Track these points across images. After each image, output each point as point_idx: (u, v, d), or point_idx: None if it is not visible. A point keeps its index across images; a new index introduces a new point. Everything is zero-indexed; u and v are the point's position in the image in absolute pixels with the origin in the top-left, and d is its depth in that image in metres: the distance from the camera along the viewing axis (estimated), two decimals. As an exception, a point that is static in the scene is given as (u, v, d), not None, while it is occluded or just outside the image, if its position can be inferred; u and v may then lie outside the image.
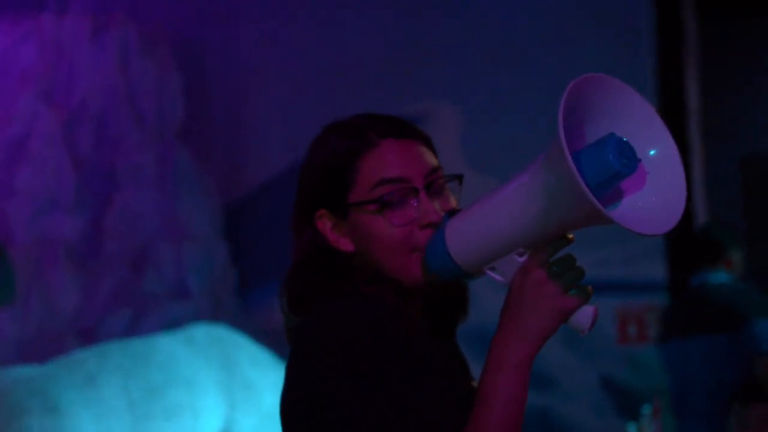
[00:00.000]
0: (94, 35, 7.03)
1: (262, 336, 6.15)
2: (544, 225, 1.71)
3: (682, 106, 7.54)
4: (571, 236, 1.74)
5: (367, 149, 1.87)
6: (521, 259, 1.75)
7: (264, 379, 5.50)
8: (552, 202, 1.68)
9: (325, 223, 1.88)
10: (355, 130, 1.90)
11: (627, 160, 1.69)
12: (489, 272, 1.79)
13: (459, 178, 1.91)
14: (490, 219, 1.76)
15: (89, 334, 6.39)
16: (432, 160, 1.90)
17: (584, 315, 1.74)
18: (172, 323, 6.42)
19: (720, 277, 5.89)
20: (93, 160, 6.86)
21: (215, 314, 6.88)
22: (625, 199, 1.75)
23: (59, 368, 5.15)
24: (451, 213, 1.85)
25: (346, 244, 1.88)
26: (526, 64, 7.36)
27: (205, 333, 5.76)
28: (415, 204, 1.85)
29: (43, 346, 6.17)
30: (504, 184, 1.77)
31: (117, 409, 5.09)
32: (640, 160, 1.72)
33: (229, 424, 5.54)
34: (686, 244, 6.70)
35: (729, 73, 8.99)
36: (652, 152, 1.75)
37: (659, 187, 1.74)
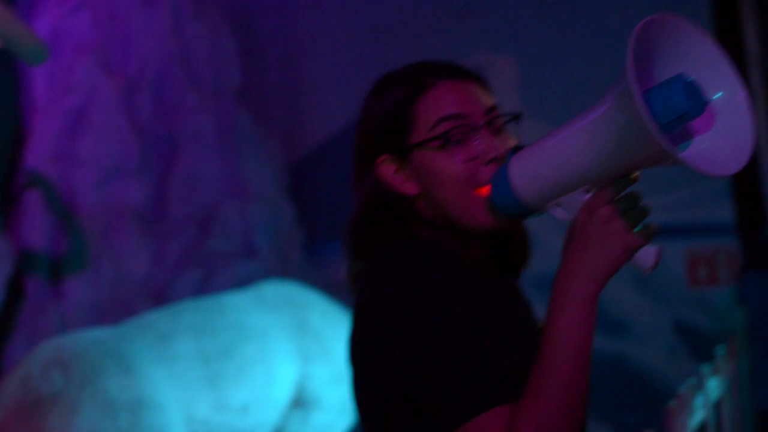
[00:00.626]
0: (146, 1, 7.05)
1: (332, 290, 6.19)
2: (612, 163, 1.70)
3: (741, 51, 7.45)
4: (635, 175, 1.73)
5: (424, 91, 1.88)
6: (586, 196, 1.74)
7: (335, 330, 5.53)
8: (621, 141, 1.67)
9: (388, 169, 1.89)
10: (411, 75, 1.91)
11: (695, 101, 1.67)
12: (552, 209, 1.79)
13: (517, 117, 1.92)
14: (558, 155, 1.75)
15: (160, 296, 6.45)
16: (489, 99, 1.91)
17: (648, 253, 1.73)
18: (240, 282, 6.46)
19: None
20: (153, 125, 6.90)
21: (284, 271, 6.91)
22: (692, 141, 1.73)
23: (132, 329, 5.19)
24: (516, 149, 1.84)
25: (409, 188, 1.89)
26: (579, 10, 7.31)
27: (274, 289, 5.79)
28: (477, 140, 1.86)
29: (115, 309, 6.23)
30: (572, 121, 1.76)
31: (191, 366, 5.13)
32: (707, 102, 1.70)
33: (303, 377, 5.57)
34: (753, 186, 6.65)
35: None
36: (719, 94, 1.73)
37: (727, 129, 1.72)
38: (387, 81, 1.93)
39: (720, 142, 1.72)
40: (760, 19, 8.47)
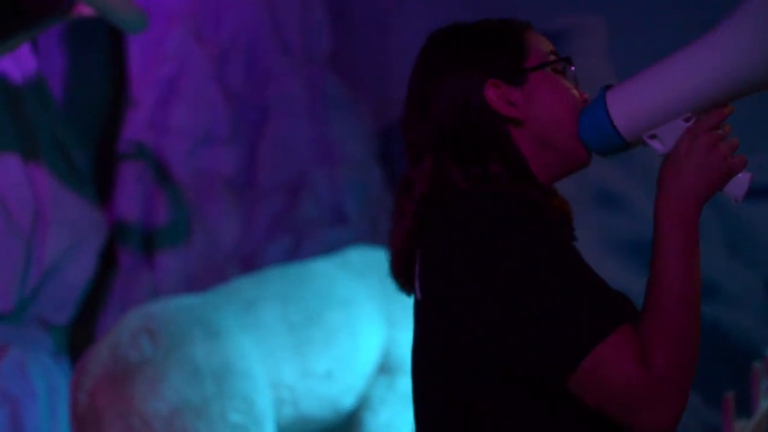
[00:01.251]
0: (237, -30, 7.10)
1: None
2: (726, 87, 1.81)
3: None
4: (730, 108, 1.84)
5: (527, 29, 1.99)
6: (687, 124, 1.84)
7: (423, 295, 5.52)
8: (742, 62, 1.78)
9: (499, 91, 1.92)
10: (503, 19, 2.01)
11: None
12: (648, 140, 1.87)
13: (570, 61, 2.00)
14: (666, 82, 1.84)
15: (250, 263, 6.52)
16: None
17: (741, 181, 1.83)
18: (331, 248, 6.48)
19: None
20: (244, 93, 6.95)
21: (373, 237, 6.94)
22: None
23: (219, 296, 5.25)
24: (607, 87, 1.91)
25: (515, 112, 1.92)
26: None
27: (360, 256, 5.80)
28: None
29: (207, 276, 6.31)
30: (677, 52, 1.86)
31: (277, 333, 5.18)
32: None
33: (389, 343, 5.59)
34: None
35: None
36: None
37: None
38: (481, 20, 2.01)
39: None
40: None
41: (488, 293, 1.77)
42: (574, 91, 1.95)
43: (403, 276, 1.98)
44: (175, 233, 6.51)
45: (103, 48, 6.94)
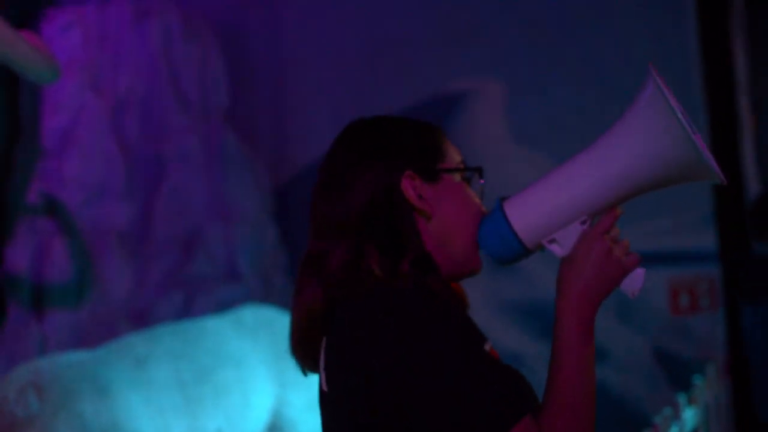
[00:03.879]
0: (137, 21, 7.07)
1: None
2: (620, 188, 1.90)
3: (729, 78, 7.48)
4: (620, 209, 1.94)
5: (444, 134, 2.07)
6: (584, 227, 1.93)
7: (314, 357, 5.52)
8: (644, 156, 1.87)
9: (414, 183, 1.98)
10: (423, 121, 2.09)
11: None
12: (548, 245, 1.96)
13: (480, 171, 2.08)
14: (563, 190, 1.93)
15: (142, 318, 6.45)
16: None
17: (637, 277, 1.93)
18: (223, 305, 6.46)
19: (762, 247, 5.88)
20: (140, 146, 6.90)
21: (266, 295, 6.92)
22: None
23: (110, 352, 5.19)
24: (503, 198, 1.99)
25: (426, 206, 1.98)
26: (568, 38, 7.34)
27: (253, 314, 5.79)
28: None
29: (97, 331, 6.23)
30: (571, 160, 1.94)
31: (168, 390, 5.13)
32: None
33: (280, 403, 5.57)
34: (736, 214, 6.67)
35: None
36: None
37: None
38: (408, 119, 2.08)
39: None
40: (749, 44, 8.50)
41: (400, 387, 1.81)
42: (478, 201, 2.03)
43: (302, 353, 2.00)
44: (67, 287, 6.42)
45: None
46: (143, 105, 6.99)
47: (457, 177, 2.02)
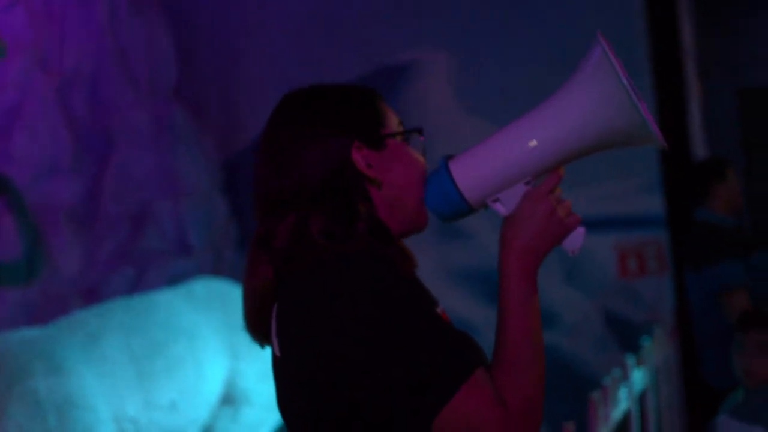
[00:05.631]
0: (83, -3, 7.03)
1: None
2: (563, 150, 1.94)
3: (676, 44, 7.54)
4: (563, 170, 1.98)
5: (380, 97, 2.11)
6: (527, 187, 1.98)
7: (265, 327, 5.53)
8: (588, 120, 1.91)
9: (362, 153, 2.02)
10: (358, 85, 2.12)
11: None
12: (492, 204, 2.00)
13: (420, 131, 2.11)
14: (508, 150, 1.97)
15: (93, 295, 6.44)
16: None
17: (577, 236, 2.00)
18: (174, 279, 6.46)
19: (703, 214, 5.95)
20: (88, 123, 6.88)
21: (217, 268, 6.93)
22: None
23: (61, 329, 5.18)
24: (448, 157, 2.02)
25: (377, 174, 2.02)
26: (517, 8, 7.36)
27: (204, 287, 5.80)
28: None
29: (48, 309, 6.21)
30: (517, 120, 1.98)
31: (120, 366, 5.13)
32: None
33: (233, 374, 5.59)
34: (682, 180, 6.74)
35: (724, 7, 8.96)
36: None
37: None
38: (341, 84, 2.10)
39: None
40: (696, 11, 8.57)
41: (348, 350, 1.85)
42: (422, 159, 2.07)
43: (257, 329, 2.03)
44: (17, 266, 6.39)
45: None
46: (91, 82, 6.96)
47: (399, 139, 2.06)
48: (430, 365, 1.82)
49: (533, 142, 1.94)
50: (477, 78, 7.39)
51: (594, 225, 7.02)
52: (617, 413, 4.80)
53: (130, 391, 5.11)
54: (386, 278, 1.88)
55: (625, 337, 7.04)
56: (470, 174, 1.98)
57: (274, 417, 5.52)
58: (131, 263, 6.69)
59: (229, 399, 5.59)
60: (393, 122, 2.08)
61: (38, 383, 4.79)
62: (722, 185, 5.95)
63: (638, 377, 5.44)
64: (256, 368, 5.52)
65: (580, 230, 2.00)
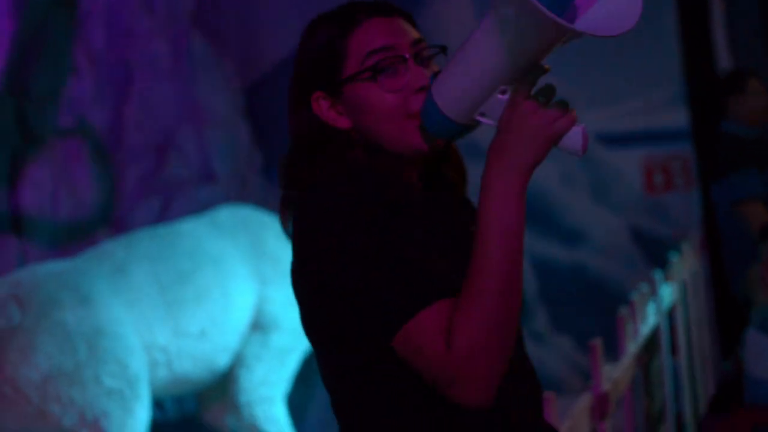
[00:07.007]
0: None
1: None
2: (514, 57, 1.80)
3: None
4: (546, 67, 1.83)
5: (354, 28, 1.96)
6: (504, 97, 1.84)
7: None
8: (516, 32, 1.77)
9: (321, 104, 1.97)
10: (342, 13, 1.99)
11: None
12: (480, 119, 1.88)
13: (443, 48, 2.01)
14: (467, 65, 1.85)
15: (119, 225, 6.45)
16: (415, 32, 2.00)
17: (575, 136, 1.81)
18: (200, 207, 6.46)
19: (727, 126, 5.91)
20: (107, 55, 6.84)
21: (242, 195, 6.93)
22: (581, 16, 1.84)
23: (88, 260, 5.19)
24: (436, 74, 1.94)
25: (343, 122, 1.96)
26: None
27: (229, 214, 5.79)
28: (405, 71, 1.95)
29: (75, 240, 6.23)
30: (473, 31, 1.86)
31: (148, 294, 5.15)
32: None
33: (261, 300, 5.59)
34: (707, 92, 6.68)
35: None
36: None
37: None
38: (320, 20, 2.01)
39: (609, 8, 1.82)
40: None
41: (320, 274, 1.85)
42: (387, 96, 1.93)
43: None
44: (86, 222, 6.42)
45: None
46: (107, 13, 6.91)
47: (365, 76, 1.94)
48: (394, 286, 1.78)
49: (489, 49, 1.81)
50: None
51: (619, 141, 6.98)
52: (646, 329, 4.79)
53: (159, 320, 5.13)
54: (359, 205, 1.84)
55: (653, 252, 7.02)
56: (446, 93, 1.88)
57: (304, 342, 5.53)
58: (156, 193, 6.70)
59: (259, 325, 5.60)
60: (360, 56, 1.95)
61: (67, 315, 4.81)
62: (743, 96, 5.90)
63: (666, 292, 5.42)
64: (284, 293, 5.51)
65: (577, 129, 1.80)
